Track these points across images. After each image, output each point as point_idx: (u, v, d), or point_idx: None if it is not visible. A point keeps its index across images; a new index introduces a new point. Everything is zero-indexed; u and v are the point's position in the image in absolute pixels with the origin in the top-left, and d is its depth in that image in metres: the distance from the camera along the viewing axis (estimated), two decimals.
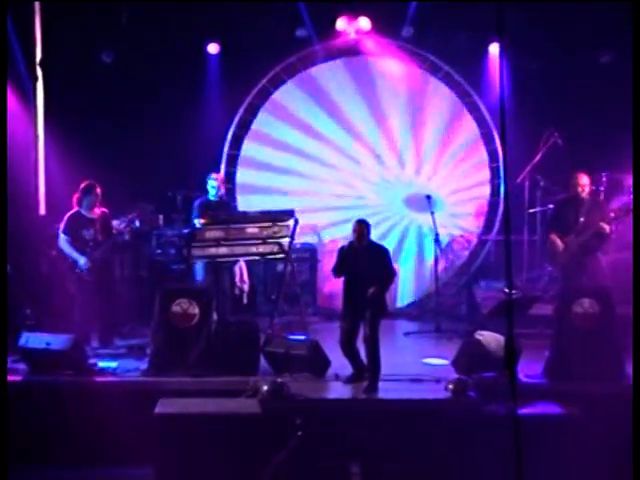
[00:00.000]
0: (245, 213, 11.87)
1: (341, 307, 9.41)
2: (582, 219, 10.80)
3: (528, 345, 8.84)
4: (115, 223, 10.91)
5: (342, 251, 9.41)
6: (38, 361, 9.41)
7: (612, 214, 10.90)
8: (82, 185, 10.65)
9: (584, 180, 10.94)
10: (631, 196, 12.04)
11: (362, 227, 9.26)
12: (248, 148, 13.80)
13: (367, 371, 9.12)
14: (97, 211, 10.69)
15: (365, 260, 9.17)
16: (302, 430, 8.24)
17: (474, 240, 13.76)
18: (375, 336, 9.03)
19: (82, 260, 10.46)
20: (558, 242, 10.87)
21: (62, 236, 10.59)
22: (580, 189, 10.86)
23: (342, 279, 9.36)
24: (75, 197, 10.63)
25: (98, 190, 10.65)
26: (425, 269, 13.60)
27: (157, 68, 12.81)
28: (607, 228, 10.68)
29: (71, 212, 10.64)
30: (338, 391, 9.20)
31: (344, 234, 12.31)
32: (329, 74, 13.82)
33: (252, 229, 11.10)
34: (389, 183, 13.88)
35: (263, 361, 9.67)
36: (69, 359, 9.35)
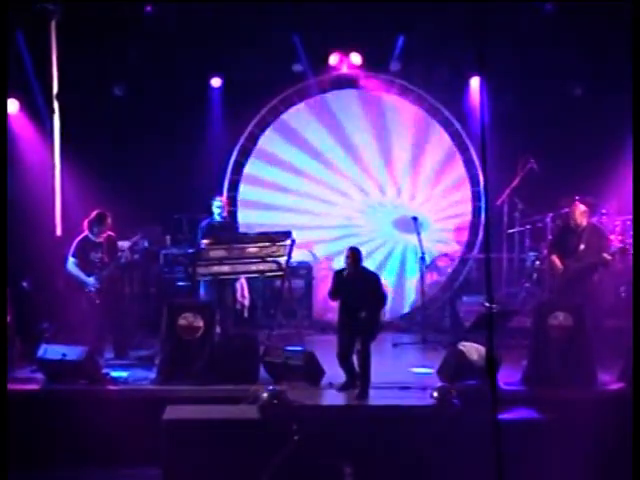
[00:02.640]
0: (246, 234, 11.89)
1: (336, 323, 9.46)
2: (582, 246, 10.55)
3: (507, 355, 8.86)
4: (122, 244, 10.87)
5: (337, 276, 9.45)
6: (55, 371, 9.40)
7: (613, 249, 10.69)
8: (94, 213, 10.53)
9: (580, 209, 10.68)
10: (603, 217, 12.09)
11: (354, 254, 9.31)
12: (251, 166, 13.77)
13: (359, 380, 9.13)
14: (103, 235, 10.58)
15: (358, 285, 9.22)
16: (298, 434, 8.25)
17: (457, 258, 13.74)
18: (367, 351, 9.10)
19: (91, 280, 10.42)
20: (558, 263, 10.67)
21: (71, 259, 10.50)
22: (579, 220, 10.60)
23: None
24: (86, 222, 10.53)
25: (109, 220, 10.57)
26: (411, 286, 13.56)
27: (165, 100, 12.81)
28: (610, 258, 10.47)
29: (80, 237, 10.54)
30: (332, 398, 9.21)
31: (335, 251, 12.42)
32: (336, 101, 13.81)
33: (252, 249, 11.10)
34: (380, 206, 13.85)
35: (262, 370, 9.67)
36: (84, 369, 9.34)
